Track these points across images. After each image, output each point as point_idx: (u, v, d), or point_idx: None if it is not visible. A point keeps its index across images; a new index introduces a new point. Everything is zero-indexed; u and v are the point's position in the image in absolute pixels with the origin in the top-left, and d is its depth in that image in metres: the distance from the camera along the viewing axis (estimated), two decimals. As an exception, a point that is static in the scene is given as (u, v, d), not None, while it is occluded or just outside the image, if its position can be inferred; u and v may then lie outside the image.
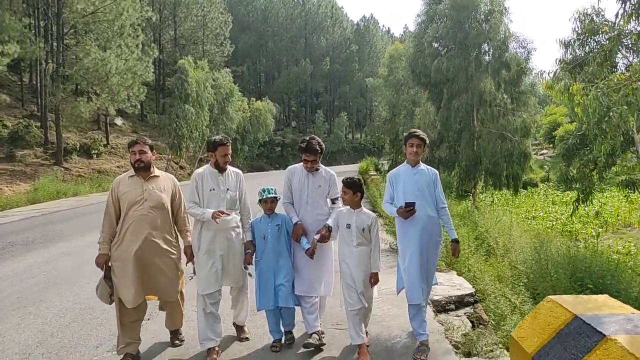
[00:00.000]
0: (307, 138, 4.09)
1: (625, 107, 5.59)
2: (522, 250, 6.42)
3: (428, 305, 4.40)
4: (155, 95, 40.04)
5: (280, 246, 3.96)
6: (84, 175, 22.93)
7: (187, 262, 3.91)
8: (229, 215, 3.81)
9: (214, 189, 3.89)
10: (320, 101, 65.89)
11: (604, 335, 2.11)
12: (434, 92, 16.09)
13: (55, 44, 23.64)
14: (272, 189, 3.98)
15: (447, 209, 4.07)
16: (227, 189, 3.93)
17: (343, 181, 3.80)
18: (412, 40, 17.47)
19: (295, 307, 4.00)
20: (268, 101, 40.93)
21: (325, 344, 3.95)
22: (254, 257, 3.99)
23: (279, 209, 4.12)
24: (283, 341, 3.99)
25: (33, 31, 23.64)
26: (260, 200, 3.98)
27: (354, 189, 3.76)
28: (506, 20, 13.84)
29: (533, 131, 14.90)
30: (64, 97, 21.62)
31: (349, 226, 3.77)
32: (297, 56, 61.78)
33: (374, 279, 3.76)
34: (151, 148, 3.90)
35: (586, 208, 17.72)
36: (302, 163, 4.13)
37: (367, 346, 3.79)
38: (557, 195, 23.60)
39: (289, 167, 4.32)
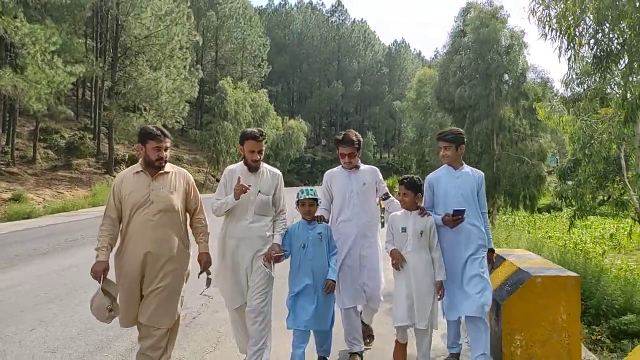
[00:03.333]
0: (344, 131, 3.76)
1: (605, 136, 6.78)
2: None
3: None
4: (195, 112, 42.50)
5: (322, 258, 3.31)
6: (131, 184, 24.97)
7: (200, 273, 3.27)
8: (249, 188, 3.17)
9: None
10: (349, 121, 67.56)
11: None
12: (457, 117, 17.34)
13: (111, 64, 26.08)
14: (311, 190, 3.39)
15: (487, 214, 3.63)
16: (259, 191, 3.31)
17: (401, 182, 3.38)
18: (438, 69, 18.85)
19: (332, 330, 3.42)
20: (300, 120, 42.87)
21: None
22: (289, 272, 3.39)
23: None
24: None
25: (92, 52, 26.23)
26: (297, 203, 3.36)
27: (415, 189, 3.34)
28: (525, 53, 15.08)
29: (549, 155, 15.88)
30: (117, 113, 23.85)
31: (404, 230, 3.31)
32: (329, 77, 63.96)
33: (440, 289, 3.29)
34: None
35: (602, 230, 18.48)
36: (340, 166, 3.79)
37: None
38: (580, 220, 24.15)
39: (327, 172, 3.94)
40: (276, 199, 3.43)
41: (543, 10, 5.03)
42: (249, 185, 3.19)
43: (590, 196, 8.27)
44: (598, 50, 4.80)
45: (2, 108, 20.59)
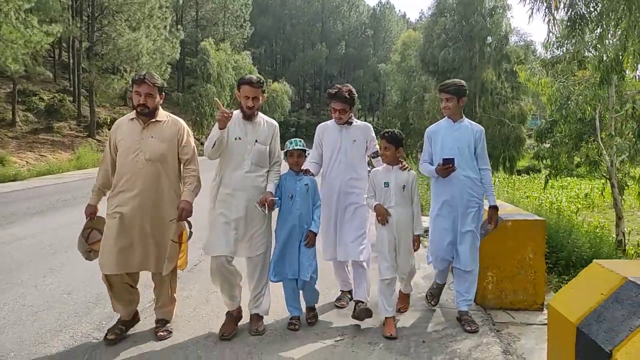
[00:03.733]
0: (339, 85, 3.68)
1: (581, 98, 7.09)
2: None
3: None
4: (177, 74, 41.69)
5: (308, 209, 3.39)
6: (114, 147, 24.78)
7: (177, 220, 3.12)
8: (230, 114, 3.10)
9: (239, 138, 3.25)
10: (334, 84, 66.65)
11: None
12: (440, 80, 17.46)
13: (88, 23, 25.30)
14: (300, 141, 3.40)
15: (489, 171, 3.60)
16: (256, 141, 3.28)
17: (383, 136, 3.36)
18: (423, 32, 18.85)
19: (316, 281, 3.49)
20: (284, 83, 42.45)
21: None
22: (277, 219, 3.44)
23: None
24: (304, 318, 3.53)
25: (68, 10, 25.33)
26: (285, 154, 3.41)
27: (396, 143, 3.32)
28: (508, 15, 15.19)
29: (529, 118, 16.30)
30: (97, 75, 23.36)
31: (386, 184, 3.31)
32: (313, 40, 62.89)
33: (417, 242, 3.37)
34: (160, 90, 3.23)
35: (577, 190, 19.23)
36: (333, 120, 3.73)
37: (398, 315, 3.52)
38: (556, 181, 25.00)
39: (320, 124, 3.90)
40: (272, 149, 3.40)
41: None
42: (229, 117, 3.10)
43: (565, 156, 8.66)
44: (572, 14, 5.04)
45: (-22, 69, 19.98)
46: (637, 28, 4.26)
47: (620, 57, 4.84)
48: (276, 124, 3.51)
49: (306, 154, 3.46)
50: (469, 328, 3.33)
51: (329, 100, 3.66)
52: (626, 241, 7.31)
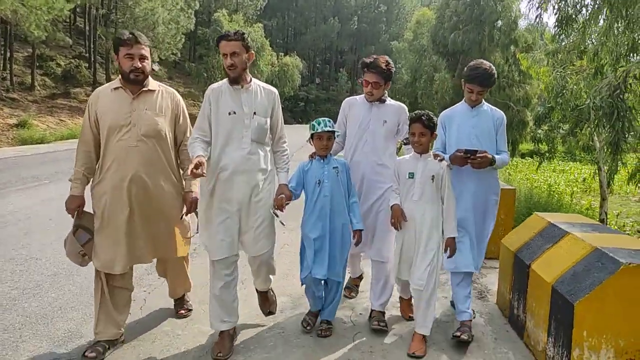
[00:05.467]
0: (375, 55, 3.20)
1: (576, 87, 7.65)
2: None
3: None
4: (188, 44, 41.89)
5: (340, 195, 2.91)
6: (129, 115, 25.51)
7: (186, 214, 2.88)
8: (203, 174, 2.47)
9: (234, 112, 2.68)
10: (344, 59, 66.85)
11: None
12: (450, 62, 17.93)
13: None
14: (329, 121, 2.90)
15: (507, 154, 3.20)
16: (254, 113, 2.70)
17: (417, 119, 2.80)
18: (435, 13, 19.13)
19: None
20: (296, 57, 42.61)
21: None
22: (303, 211, 2.96)
23: None
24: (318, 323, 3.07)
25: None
26: (312, 136, 2.91)
27: (433, 128, 2.84)
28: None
29: (534, 102, 16.73)
30: (113, 42, 23.82)
31: (411, 175, 2.85)
32: (325, 13, 62.46)
33: (451, 246, 2.84)
34: (150, 52, 2.73)
35: (577, 174, 19.84)
36: (362, 95, 3.26)
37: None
38: (559, 165, 25.60)
39: (347, 99, 3.42)
40: (274, 122, 2.84)
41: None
42: (203, 171, 2.45)
43: (560, 140, 9.24)
44: (559, 14, 5.63)
45: (1, 33, 20.51)
46: (612, 29, 4.83)
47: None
48: (275, 90, 2.91)
49: (335, 136, 2.98)
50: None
51: (362, 70, 3.16)
52: (607, 221, 7.96)
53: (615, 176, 8.34)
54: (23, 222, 5.58)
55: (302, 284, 2.98)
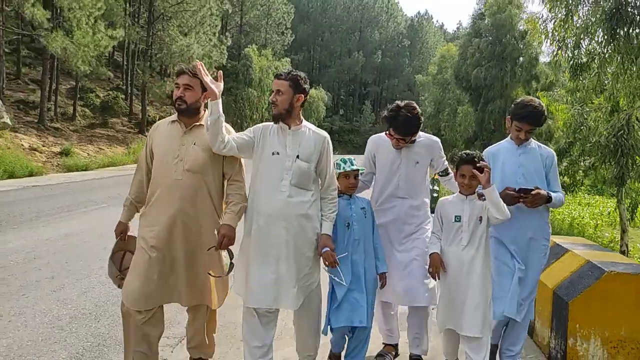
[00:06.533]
0: (401, 104, 2.85)
1: (593, 124, 8.04)
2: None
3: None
4: (218, 77, 43.62)
5: (369, 237, 2.80)
6: (162, 144, 26.76)
7: (211, 248, 2.57)
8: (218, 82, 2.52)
9: (277, 153, 2.59)
10: (368, 91, 68.25)
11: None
12: (473, 96, 18.46)
13: (143, 27, 27.31)
14: (353, 160, 2.81)
15: (563, 194, 2.99)
16: (297, 156, 2.58)
17: (469, 161, 2.63)
18: (458, 50, 19.83)
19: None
20: (321, 89, 43.88)
21: None
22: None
23: None
24: None
25: (128, 16, 27.44)
26: (339, 175, 2.78)
27: (482, 170, 2.61)
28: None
29: (556, 136, 17.00)
30: (150, 76, 25.29)
31: (457, 219, 2.70)
32: (350, 48, 64.38)
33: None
34: (204, 88, 2.57)
35: (601, 208, 19.79)
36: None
37: None
38: (584, 198, 25.47)
39: (372, 138, 3.16)
40: (321, 168, 2.67)
41: (542, 22, 6.38)
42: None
43: (583, 174, 9.55)
44: (573, 62, 6.14)
45: (49, 67, 22.02)
46: (626, 73, 5.28)
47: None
48: (327, 135, 2.74)
49: (360, 173, 2.87)
50: None
51: (386, 124, 2.91)
52: (628, 253, 8.17)
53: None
54: (95, 240, 6.34)
55: (331, 330, 2.77)
